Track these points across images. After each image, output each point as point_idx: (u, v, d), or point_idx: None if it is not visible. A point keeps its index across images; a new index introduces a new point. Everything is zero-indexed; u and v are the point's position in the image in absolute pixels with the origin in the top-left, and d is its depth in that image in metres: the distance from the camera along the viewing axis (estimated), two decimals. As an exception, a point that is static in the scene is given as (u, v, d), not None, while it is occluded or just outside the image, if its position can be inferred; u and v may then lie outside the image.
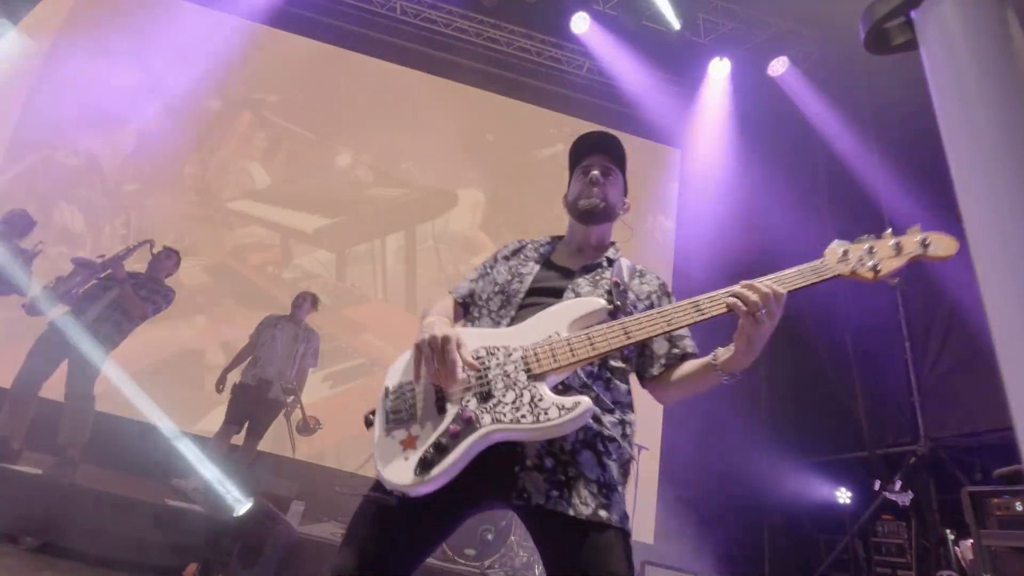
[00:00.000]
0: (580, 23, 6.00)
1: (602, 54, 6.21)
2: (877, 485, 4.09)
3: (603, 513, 1.11)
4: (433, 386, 1.16)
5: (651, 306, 1.36)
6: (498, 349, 1.18)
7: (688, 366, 1.29)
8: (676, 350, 1.34)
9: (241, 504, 3.16)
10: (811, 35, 5.83)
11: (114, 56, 5.96)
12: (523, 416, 1.07)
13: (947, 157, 0.50)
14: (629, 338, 1.15)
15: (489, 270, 1.49)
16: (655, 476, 5.56)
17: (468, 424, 1.08)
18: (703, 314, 1.14)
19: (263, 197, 5.98)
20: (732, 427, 5.59)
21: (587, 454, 1.17)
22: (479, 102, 6.75)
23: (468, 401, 1.12)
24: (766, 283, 1.11)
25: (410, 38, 6.62)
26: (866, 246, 1.20)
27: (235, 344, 4.56)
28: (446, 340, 1.13)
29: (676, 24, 5.69)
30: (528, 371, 1.13)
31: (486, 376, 1.14)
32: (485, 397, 1.11)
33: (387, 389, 1.20)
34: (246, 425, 4.08)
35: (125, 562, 2.84)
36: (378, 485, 1.14)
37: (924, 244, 1.17)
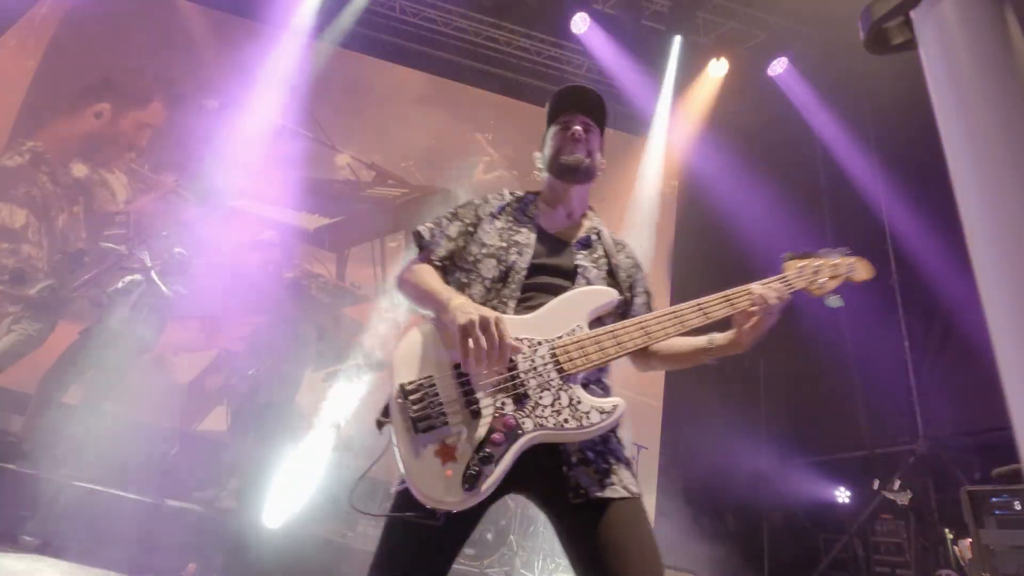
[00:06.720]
0: (580, 23, 6.00)
1: (601, 53, 6.20)
2: (876, 484, 4.10)
3: (640, 489, 1.20)
4: (458, 384, 1.08)
5: (632, 281, 1.41)
6: (521, 342, 1.13)
7: (677, 344, 1.33)
8: None
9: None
10: (811, 35, 5.82)
11: (113, 54, 5.96)
12: (566, 421, 1.06)
13: (945, 157, 0.50)
14: (650, 338, 1.19)
15: (472, 228, 1.38)
16: (654, 475, 5.56)
17: (511, 431, 1.04)
18: (708, 317, 1.24)
19: (263, 196, 5.98)
20: (731, 426, 5.59)
21: (613, 440, 1.23)
22: (479, 102, 6.74)
23: (504, 403, 1.06)
24: (776, 287, 1.25)
25: (410, 38, 6.61)
26: (815, 264, 1.34)
27: (235, 344, 4.56)
28: (498, 321, 1.08)
29: None
30: (560, 370, 1.11)
31: (516, 374, 1.10)
32: (521, 399, 1.07)
33: (403, 388, 1.07)
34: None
35: (125, 562, 2.84)
36: (408, 502, 1.03)
37: (851, 268, 1.36)
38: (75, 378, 3.68)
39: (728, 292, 1.25)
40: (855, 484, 4.68)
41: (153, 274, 3.72)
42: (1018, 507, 2.79)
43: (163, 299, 3.79)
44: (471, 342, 1.05)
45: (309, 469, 3.77)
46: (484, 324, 1.06)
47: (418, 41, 6.62)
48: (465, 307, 1.11)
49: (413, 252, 1.40)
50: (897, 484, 3.89)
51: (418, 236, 1.37)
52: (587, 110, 1.44)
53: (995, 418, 3.70)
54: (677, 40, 6.05)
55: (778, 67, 6.02)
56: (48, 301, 3.99)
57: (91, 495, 3.07)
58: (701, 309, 1.24)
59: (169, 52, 6.20)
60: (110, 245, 3.92)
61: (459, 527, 1.10)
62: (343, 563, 3.25)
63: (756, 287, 1.24)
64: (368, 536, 3.88)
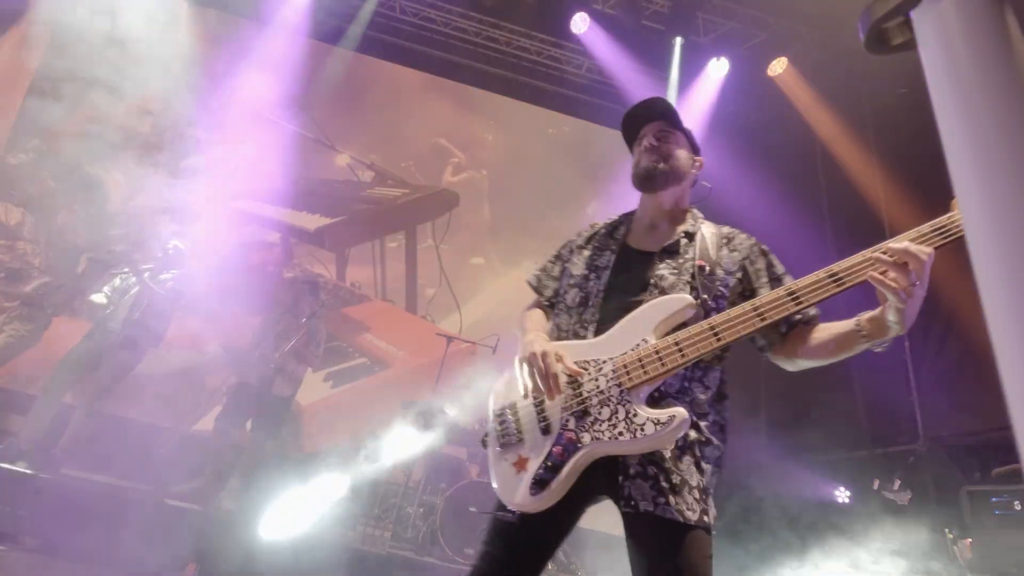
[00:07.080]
0: (580, 23, 5.99)
1: (601, 54, 6.20)
2: (876, 484, 4.09)
3: (706, 519, 1.15)
4: (534, 407, 1.25)
5: (744, 275, 1.30)
6: (588, 363, 1.22)
7: (824, 333, 1.20)
8: (798, 316, 1.21)
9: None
10: (811, 35, 5.82)
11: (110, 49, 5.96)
12: (620, 433, 1.13)
13: (946, 157, 0.50)
14: (720, 340, 1.12)
15: (566, 263, 1.49)
16: (655, 475, 5.55)
17: (570, 444, 1.16)
18: (799, 303, 1.09)
19: (263, 196, 5.98)
20: (730, 425, 5.59)
21: (687, 459, 1.19)
22: (479, 102, 6.74)
23: (567, 421, 1.19)
24: (911, 245, 1.00)
25: (410, 38, 6.61)
26: None
27: (234, 344, 4.56)
28: (545, 355, 1.21)
29: None
30: (620, 385, 1.17)
31: (580, 393, 1.21)
32: (582, 415, 1.18)
33: (493, 413, 1.31)
34: (249, 424, 4.05)
35: (125, 562, 2.84)
36: (500, 503, 1.24)
37: None
38: (76, 379, 3.69)
39: (840, 264, 1.05)
40: (855, 484, 4.68)
41: (147, 275, 3.72)
42: (1018, 507, 2.79)
43: (162, 298, 3.79)
44: (528, 375, 1.23)
45: (314, 481, 3.76)
46: (532, 358, 1.22)
47: (418, 41, 6.61)
48: (527, 344, 1.27)
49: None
50: (897, 484, 3.89)
51: (529, 284, 1.57)
52: (657, 117, 1.45)
53: (995, 418, 3.70)
54: (678, 42, 6.04)
55: (778, 67, 6.02)
56: (43, 300, 4.00)
57: (91, 495, 3.07)
58: (793, 296, 1.09)
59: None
60: (99, 252, 3.93)
61: (541, 528, 1.22)
62: (343, 563, 3.25)
63: (891, 244, 1.02)
64: (367, 536, 3.88)
